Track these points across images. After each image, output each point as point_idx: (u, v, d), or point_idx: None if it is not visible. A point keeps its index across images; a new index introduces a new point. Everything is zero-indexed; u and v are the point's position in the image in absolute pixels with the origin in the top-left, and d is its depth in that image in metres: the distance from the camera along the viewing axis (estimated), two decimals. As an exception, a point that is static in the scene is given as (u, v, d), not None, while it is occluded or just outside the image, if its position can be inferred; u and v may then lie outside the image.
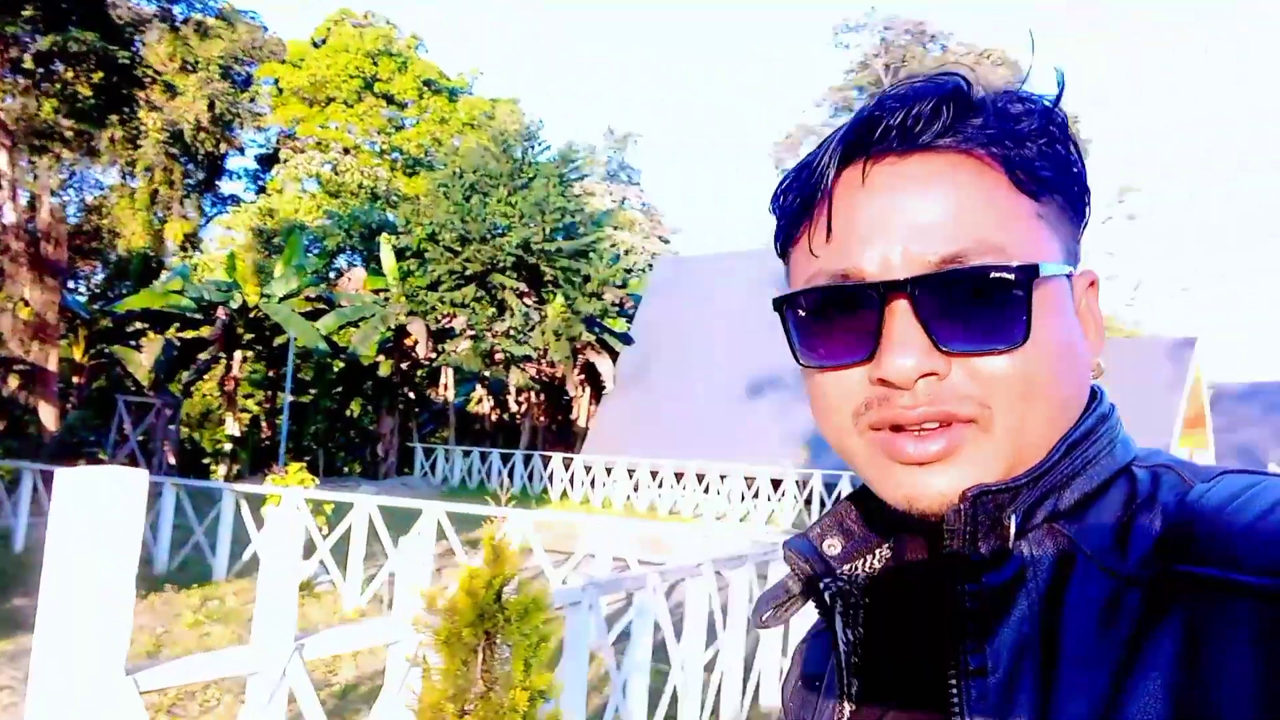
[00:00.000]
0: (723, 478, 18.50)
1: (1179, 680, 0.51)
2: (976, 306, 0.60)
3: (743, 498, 17.86)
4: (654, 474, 19.94)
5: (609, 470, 20.51)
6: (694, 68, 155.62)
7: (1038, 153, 0.63)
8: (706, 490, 18.65)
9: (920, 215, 0.62)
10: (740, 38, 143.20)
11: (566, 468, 21.41)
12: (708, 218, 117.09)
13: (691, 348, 23.55)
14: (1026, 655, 0.57)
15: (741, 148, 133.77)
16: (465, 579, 2.79)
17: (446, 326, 24.68)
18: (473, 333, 24.03)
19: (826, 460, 18.41)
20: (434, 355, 24.77)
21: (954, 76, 0.63)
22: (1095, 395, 0.67)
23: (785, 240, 0.71)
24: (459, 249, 23.94)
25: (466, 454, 24.03)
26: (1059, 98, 0.64)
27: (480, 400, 27.36)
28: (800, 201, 0.67)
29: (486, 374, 25.48)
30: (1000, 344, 0.60)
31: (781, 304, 0.68)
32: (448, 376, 25.82)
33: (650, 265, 40.33)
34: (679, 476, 19.63)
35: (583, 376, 25.40)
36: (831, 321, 0.65)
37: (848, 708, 0.69)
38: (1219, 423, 34.68)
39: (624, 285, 27.60)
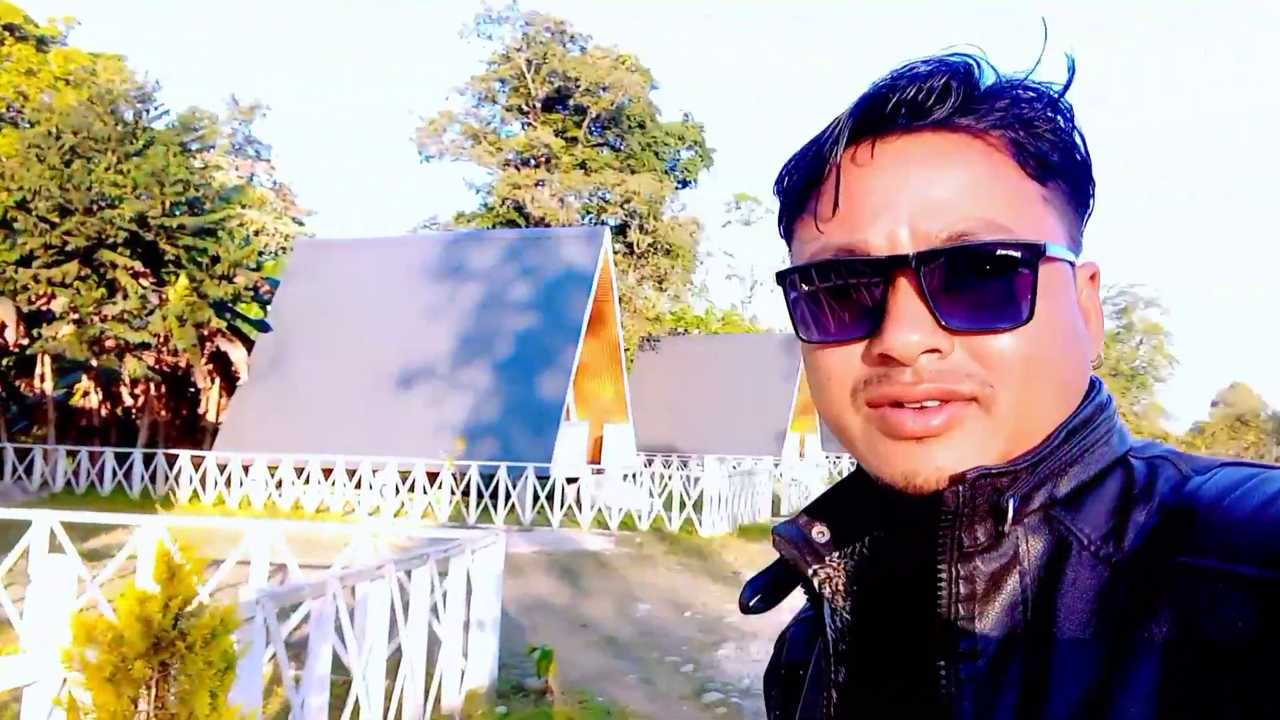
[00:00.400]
0: (375, 472, 17.65)
1: (1174, 670, 0.51)
2: (982, 284, 0.61)
3: (397, 491, 17.17)
4: (299, 470, 18.55)
5: (246, 468, 18.71)
6: (328, 42, 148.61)
7: (1045, 138, 0.63)
8: (359, 486, 17.68)
9: (928, 193, 0.62)
10: (377, 16, 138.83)
11: (196, 467, 19.19)
12: (346, 200, 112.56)
13: (336, 337, 22.24)
14: (1018, 640, 0.58)
15: (383, 131, 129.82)
16: (132, 602, 2.22)
17: (43, 309, 21.32)
18: (76, 316, 20.93)
19: (484, 451, 18.24)
20: (26, 341, 21.27)
21: (965, 57, 0.63)
22: (1093, 385, 0.67)
23: (790, 219, 0.70)
24: (57, 220, 20.77)
25: (72, 454, 20.78)
26: (1068, 85, 0.64)
27: (87, 393, 23.88)
28: (806, 179, 0.67)
29: (94, 363, 22.34)
30: (1005, 322, 0.60)
31: (784, 279, 0.68)
32: (45, 366, 22.25)
33: (285, 248, 37.89)
34: (327, 473, 18.45)
35: (212, 366, 23.01)
36: (834, 297, 0.65)
37: (835, 695, 0.69)
38: (822, 408, 39.15)
39: (258, 268, 25.57)
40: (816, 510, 0.72)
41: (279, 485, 18.33)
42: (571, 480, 17.91)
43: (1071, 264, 0.65)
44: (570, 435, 20.44)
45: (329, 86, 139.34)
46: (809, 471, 23.80)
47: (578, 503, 16.86)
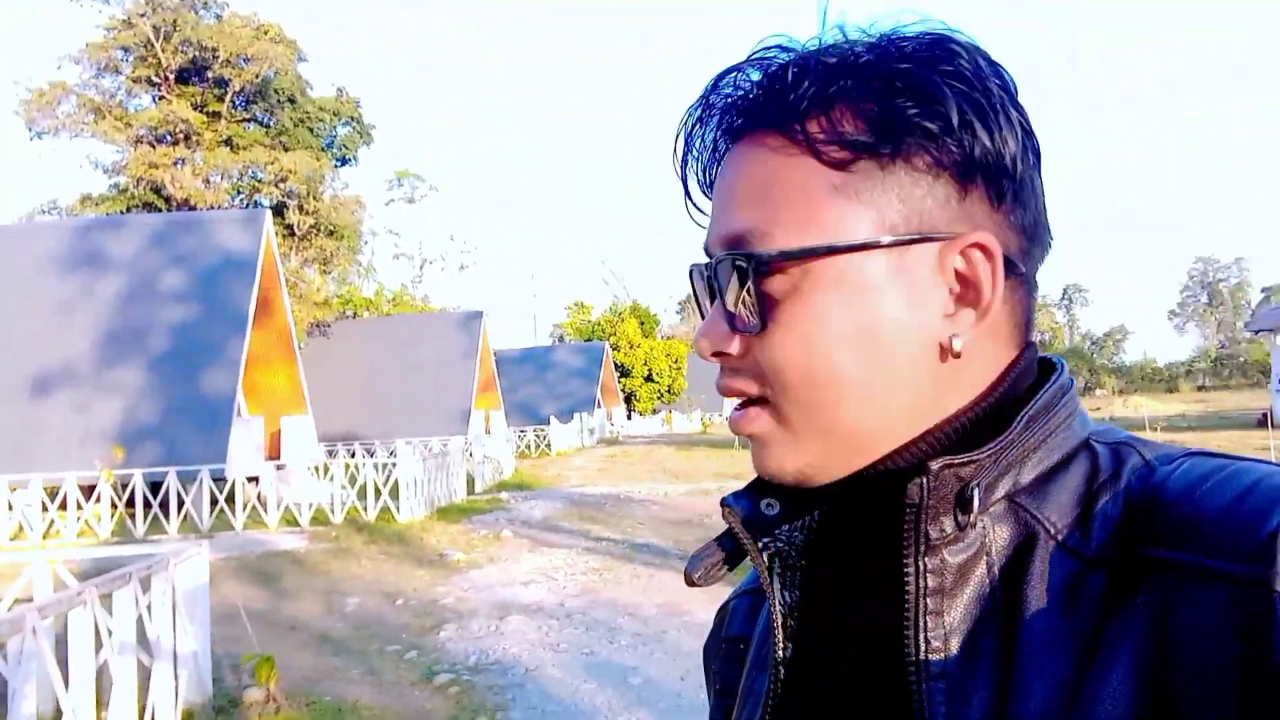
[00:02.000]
0: (14, 490, 15.49)
1: (1147, 665, 0.51)
2: (737, 293, 0.63)
3: (45, 509, 15.19)
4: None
5: None
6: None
7: (851, 115, 0.60)
8: (-5, 509, 15.41)
9: (728, 198, 0.65)
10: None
11: None
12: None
13: (-55, 341, 19.12)
14: (987, 634, 0.57)
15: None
16: None
17: None
18: None
19: (148, 456, 16.57)
20: None
21: (771, 51, 0.64)
22: (1053, 366, 0.66)
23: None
24: None
25: None
26: (878, 45, 0.60)
27: None
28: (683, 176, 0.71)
29: None
30: (751, 329, 0.63)
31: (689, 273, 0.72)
32: None
33: None
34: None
35: None
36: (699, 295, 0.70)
37: (782, 672, 0.68)
38: (504, 384, 39.49)
39: None
40: (767, 481, 0.69)
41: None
42: (252, 479, 16.79)
43: (883, 247, 0.60)
44: (244, 432, 19.04)
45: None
46: (500, 447, 24.02)
47: (261, 502, 15.88)
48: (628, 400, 52.40)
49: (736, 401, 0.67)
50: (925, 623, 0.58)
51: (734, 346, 0.64)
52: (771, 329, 0.61)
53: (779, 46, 0.63)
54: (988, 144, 0.59)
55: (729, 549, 0.71)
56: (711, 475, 21.59)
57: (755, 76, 0.64)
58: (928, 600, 0.58)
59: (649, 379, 52.15)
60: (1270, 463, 0.55)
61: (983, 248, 0.61)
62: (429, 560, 11.91)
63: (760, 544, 0.68)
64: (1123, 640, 0.52)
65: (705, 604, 8.77)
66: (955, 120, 0.58)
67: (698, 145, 0.68)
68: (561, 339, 66.56)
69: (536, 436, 32.61)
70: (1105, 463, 0.60)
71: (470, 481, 20.43)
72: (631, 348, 52.16)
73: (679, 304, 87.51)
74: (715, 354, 0.65)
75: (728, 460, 24.98)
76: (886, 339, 0.60)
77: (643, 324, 56.18)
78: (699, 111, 0.67)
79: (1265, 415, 29.59)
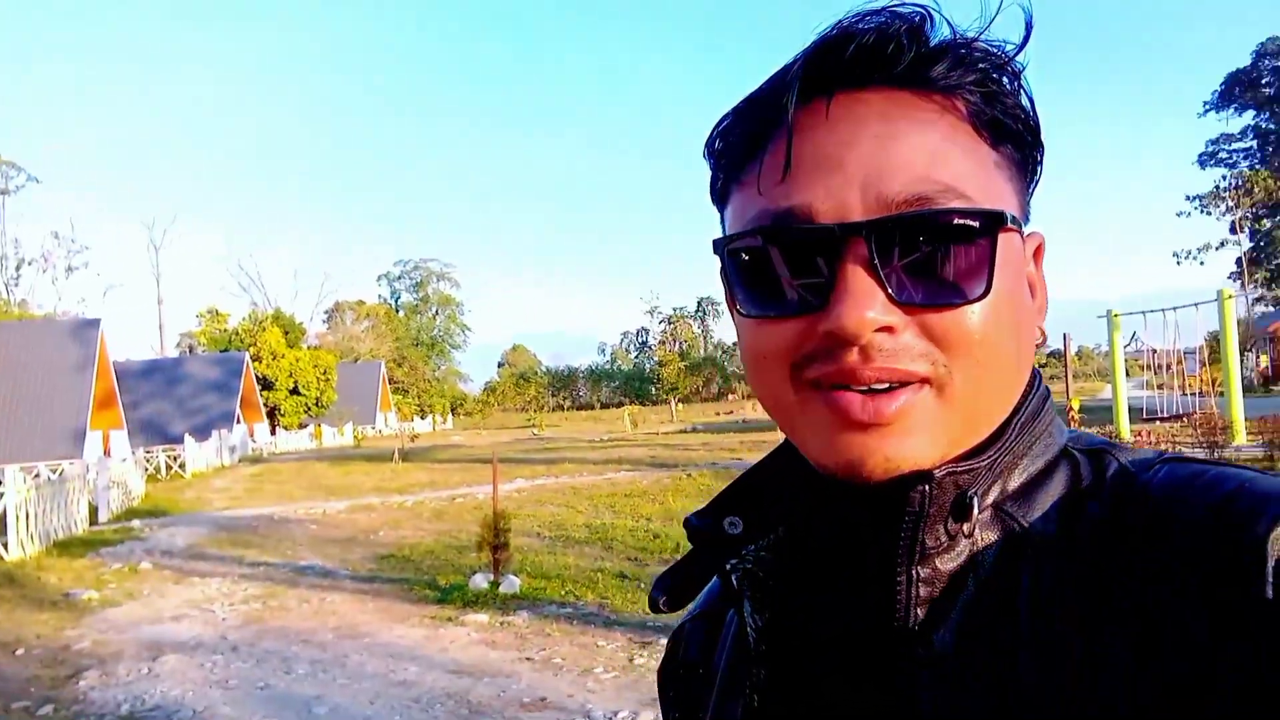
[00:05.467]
0: None
1: (1139, 670, 0.50)
2: (940, 256, 0.56)
3: None
4: None
5: None
6: None
7: (999, 100, 0.60)
8: None
9: (882, 155, 0.57)
10: None
11: None
12: None
13: None
14: (980, 643, 0.56)
15: None
16: None
17: None
18: None
19: None
20: None
21: (917, 8, 0.59)
22: (1035, 375, 0.66)
23: (725, 183, 0.65)
24: None
25: None
26: (1024, 44, 0.60)
27: None
28: (744, 140, 0.62)
29: None
30: (964, 297, 0.56)
31: (721, 247, 0.63)
32: None
33: None
34: None
35: None
36: (776, 266, 0.59)
37: (756, 698, 0.66)
38: (126, 400, 35.42)
39: None
40: (728, 499, 0.68)
41: None
42: None
43: (1021, 235, 0.62)
44: None
45: None
46: (127, 470, 21.47)
47: None
48: (271, 415, 49.14)
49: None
50: (916, 632, 0.57)
51: (897, 319, 0.56)
52: (991, 296, 0.57)
53: (925, 9, 0.59)
54: (1042, 156, 0.64)
55: (696, 572, 0.68)
56: (372, 490, 20.81)
57: (910, 31, 0.58)
58: (918, 609, 0.57)
59: (295, 391, 49.20)
60: (1242, 467, 0.57)
61: (1040, 247, 0.66)
62: (51, 601, 10.39)
63: (730, 565, 0.66)
64: (1115, 644, 0.52)
65: (386, 623, 8.48)
66: (1039, 127, 0.63)
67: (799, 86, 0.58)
68: (193, 349, 61.03)
69: (168, 457, 29.53)
70: (1086, 470, 0.61)
71: (93, 510, 18.12)
72: (275, 358, 48.92)
73: (325, 312, 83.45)
74: (879, 330, 0.55)
75: (387, 475, 24.18)
76: (1028, 326, 0.62)
77: (287, 333, 52.90)
78: (817, 51, 0.59)
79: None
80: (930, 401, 0.57)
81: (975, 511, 0.57)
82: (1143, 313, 20.60)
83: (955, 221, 0.56)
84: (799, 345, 0.58)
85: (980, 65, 0.59)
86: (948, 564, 0.58)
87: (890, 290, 0.55)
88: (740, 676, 0.67)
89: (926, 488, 0.56)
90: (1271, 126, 65.94)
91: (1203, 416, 17.02)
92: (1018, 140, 0.61)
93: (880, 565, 0.59)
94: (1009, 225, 0.58)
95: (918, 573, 0.57)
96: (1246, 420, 17.34)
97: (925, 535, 0.57)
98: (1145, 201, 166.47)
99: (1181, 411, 20.12)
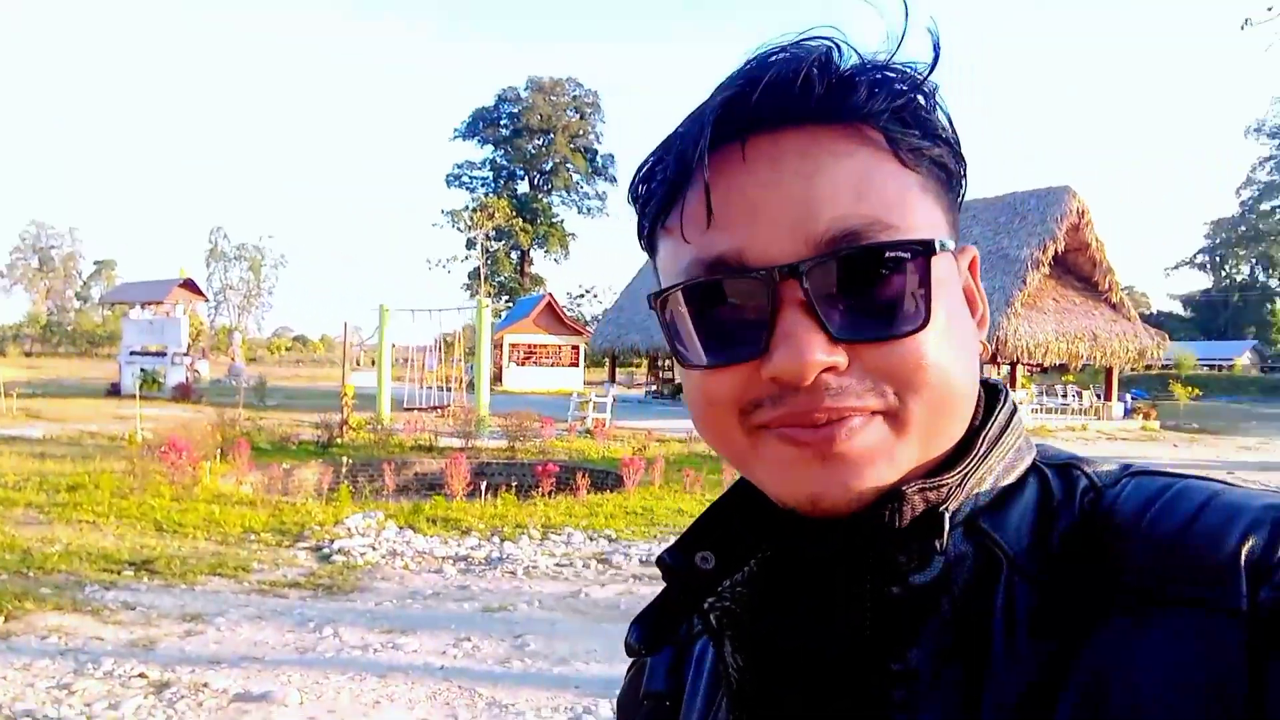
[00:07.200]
0: None
1: (1109, 693, 0.50)
2: (875, 289, 0.56)
3: None
4: None
5: None
6: None
7: (916, 123, 0.59)
8: None
9: (807, 193, 0.56)
10: None
11: None
12: None
13: None
14: (952, 662, 0.54)
15: None
16: None
17: None
18: None
19: None
20: None
21: (824, 40, 0.57)
22: (999, 389, 0.65)
23: (651, 230, 0.64)
24: None
25: None
26: (934, 65, 0.58)
27: None
28: (666, 188, 0.61)
29: None
30: (905, 327, 0.55)
31: (657, 300, 0.61)
32: None
33: None
34: None
35: None
36: (715, 315, 0.58)
37: None
38: None
39: None
40: (697, 534, 0.65)
41: None
42: None
43: (954, 254, 0.61)
44: None
45: None
46: None
47: None
48: None
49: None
50: (888, 651, 0.56)
51: (840, 357, 0.55)
52: (931, 324, 0.56)
53: (830, 40, 0.57)
54: (965, 172, 0.63)
55: (673, 611, 0.65)
56: None
57: (818, 65, 0.57)
58: (891, 629, 0.56)
59: None
60: (1207, 479, 0.57)
61: (974, 261, 0.65)
62: None
63: (707, 604, 0.63)
64: (1085, 665, 0.51)
65: None
66: (959, 143, 0.62)
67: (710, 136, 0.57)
68: None
69: None
70: (1056, 486, 0.60)
71: None
72: None
73: None
74: (826, 370, 0.55)
75: None
76: (971, 344, 0.61)
77: None
78: (729, 95, 0.57)
79: (116, 385, 30.69)
80: (883, 430, 0.56)
81: (947, 527, 0.56)
82: (411, 311, 22.06)
83: (887, 255, 0.55)
84: (745, 391, 0.57)
85: (894, 89, 0.58)
86: (920, 581, 0.56)
87: (831, 329, 0.55)
88: (716, 710, 0.67)
89: (895, 505, 0.56)
90: (505, 163, 77.08)
91: (460, 409, 19.01)
92: (940, 159, 0.60)
93: (851, 584, 0.58)
94: (940, 249, 0.57)
95: (890, 591, 0.56)
96: (491, 414, 19.25)
97: (897, 552, 0.56)
98: (413, 208, 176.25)
99: (438, 404, 21.78)
